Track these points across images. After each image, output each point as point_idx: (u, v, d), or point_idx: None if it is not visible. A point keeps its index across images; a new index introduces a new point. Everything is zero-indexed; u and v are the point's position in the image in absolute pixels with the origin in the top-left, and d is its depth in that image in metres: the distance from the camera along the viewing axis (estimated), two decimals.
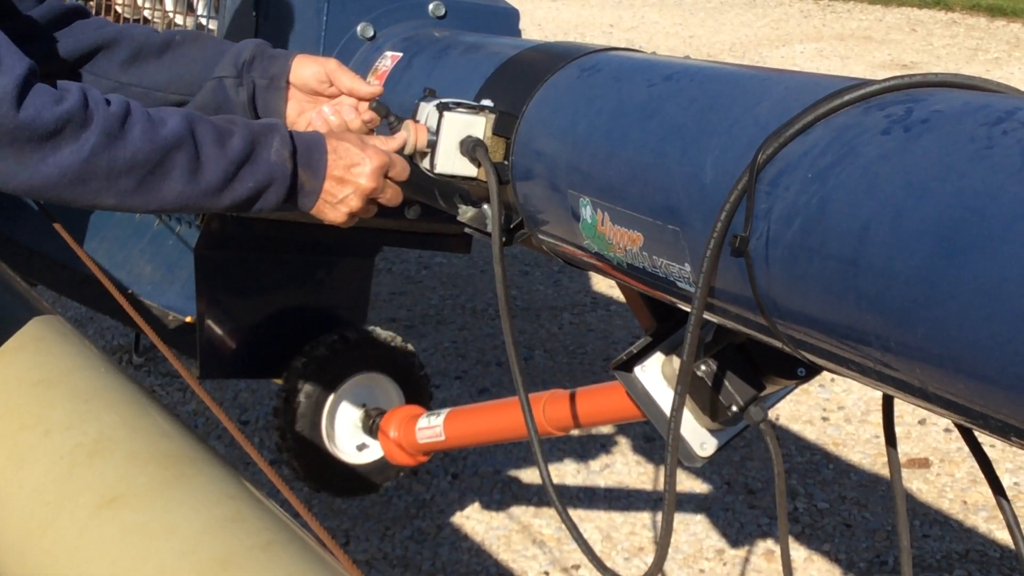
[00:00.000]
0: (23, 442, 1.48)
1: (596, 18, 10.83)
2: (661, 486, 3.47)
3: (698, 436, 1.69)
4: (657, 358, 1.74)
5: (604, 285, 4.86)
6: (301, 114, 1.69)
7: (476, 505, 3.37)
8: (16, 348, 1.67)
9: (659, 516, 3.31)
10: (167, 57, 1.65)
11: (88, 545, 1.30)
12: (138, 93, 1.65)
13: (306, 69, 1.67)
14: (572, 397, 2.10)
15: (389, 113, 1.70)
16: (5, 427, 1.51)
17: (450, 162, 1.69)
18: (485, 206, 1.76)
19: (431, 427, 2.41)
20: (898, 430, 1.44)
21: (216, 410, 1.42)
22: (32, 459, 1.45)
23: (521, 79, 1.74)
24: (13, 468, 1.45)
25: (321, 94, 1.68)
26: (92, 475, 1.38)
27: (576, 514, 3.30)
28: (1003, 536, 3.22)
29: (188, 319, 2.56)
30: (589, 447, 3.67)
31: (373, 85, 1.70)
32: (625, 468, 3.57)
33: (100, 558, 1.27)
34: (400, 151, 1.66)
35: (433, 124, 1.68)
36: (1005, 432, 1.01)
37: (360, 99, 1.69)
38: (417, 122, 1.70)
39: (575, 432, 3.58)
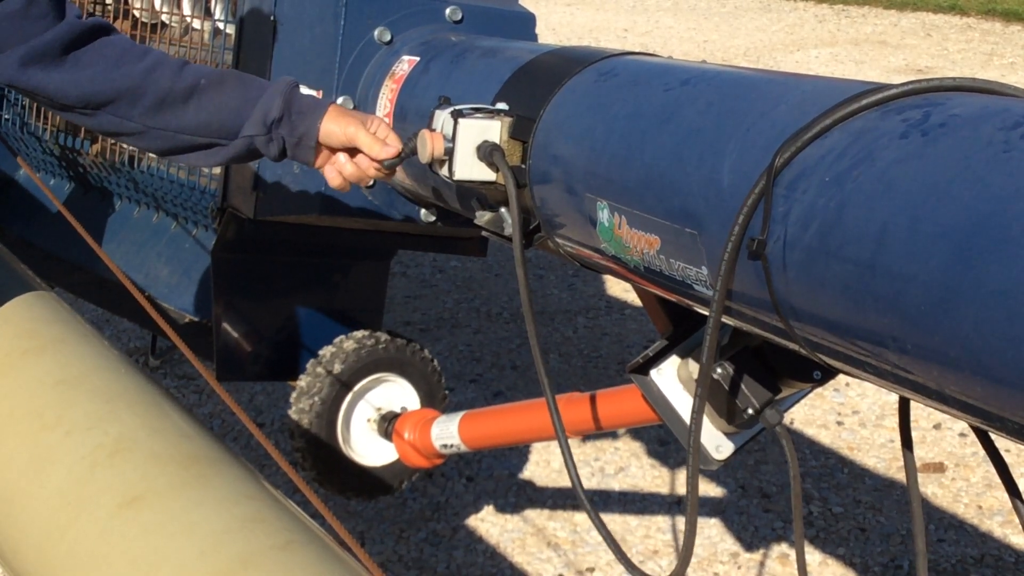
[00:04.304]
0: (44, 442, 1.49)
1: (610, 23, 10.84)
2: (675, 490, 3.48)
3: (714, 439, 1.70)
4: (673, 361, 1.74)
5: (618, 289, 4.86)
6: (327, 162, 1.74)
7: (491, 508, 3.38)
8: (37, 349, 1.68)
9: (674, 519, 3.32)
10: (193, 103, 1.66)
11: (109, 545, 1.31)
12: (166, 136, 1.67)
13: (330, 128, 1.70)
14: (588, 400, 2.10)
15: (402, 164, 1.75)
16: (27, 427, 1.53)
17: (468, 168, 1.70)
18: (502, 210, 1.77)
19: (447, 429, 2.42)
20: (913, 435, 1.44)
21: (236, 409, 1.43)
22: (53, 459, 1.46)
23: (538, 83, 1.75)
24: (35, 468, 1.46)
25: (347, 146, 1.72)
26: (113, 475, 1.39)
27: None
28: (1018, 541, 3.22)
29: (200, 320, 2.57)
30: (604, 450, 3.68)
31: (389, 147, 1.72)
32: (640, 472, 3.57)
33: (121, 558, 1.28)
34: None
35: (449, 131, 1.69)
36: (1023, 435, 1.01)
37: (373, 160, 1.72)
38: (433, 131, 1.71)
39: (590, 435, 3.59)
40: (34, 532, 1.40)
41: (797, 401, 1.75)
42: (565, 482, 3.47)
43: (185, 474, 1.37)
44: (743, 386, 1.60)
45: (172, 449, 1.43)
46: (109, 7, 2.80)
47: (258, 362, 2.66)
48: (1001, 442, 1.32)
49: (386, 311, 2.87)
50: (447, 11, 2.25)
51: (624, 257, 1.50)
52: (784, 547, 3.21)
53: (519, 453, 3.62)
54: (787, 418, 1.62)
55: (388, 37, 2.20)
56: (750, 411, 1.59)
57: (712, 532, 3.27)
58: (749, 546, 3.21)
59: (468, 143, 1.69)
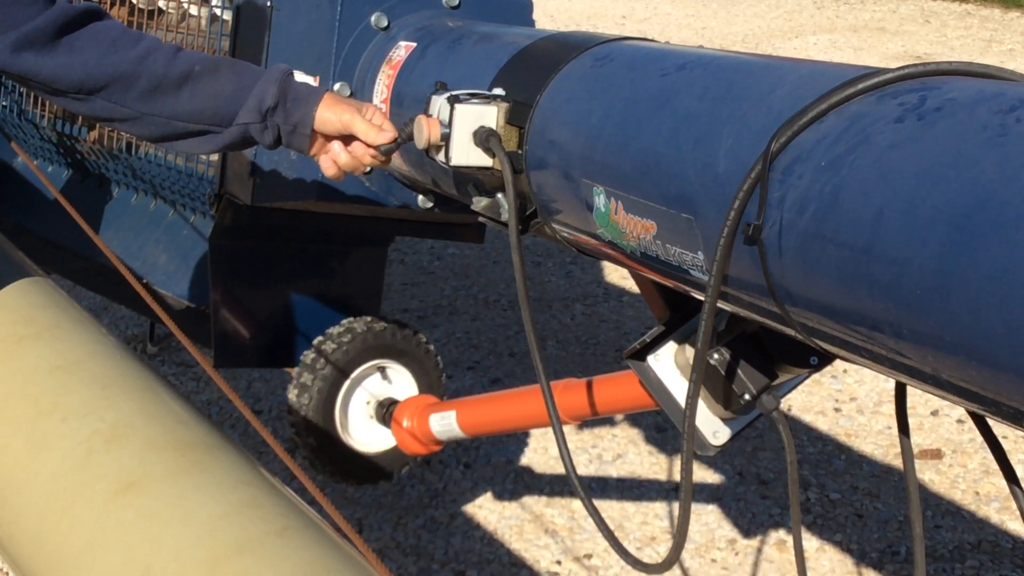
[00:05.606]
0: (41, 428, 1.49)
1: (608, 9, 10.81)
2: (673, 476, 3.48)
3: (711, 425, 1.70)
4: (670, 347, 1.74)
5: (616, 276, 4.86)
6: (322, 151, 1.74)
7: (488, 495, 3.38)
8: (33, 335, 1.68)
9: (671, 506, 3.33)
10: (187, 90, 1.65)
11: (105, 530, 1.31)
12: (159, 122, 1.67)
13: (325, 116, 1.69)
14: (585, 386, 2.10)
15: (400, 148, 1.74)
16: (23, 413, 1.53)
17: (465, 153, 1.69)
18: (499, 195, 1.76)
19: (445, 417, 2.42)
20: (910, 421, 1.44)
21: (233, 396, 1.43)
22: (49, 445, 1.46)
23: (535, 69, 1.74)
24: (31, 454, 1.46)
25: (343, 134, 1.71)
26: (109, 461, 1.39)
27: None
28: (1015, 527, 3.22)
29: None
30: (601, 437, 3.68)
31: (385, 132, 1.71)
32: (637, 458, 3.57)
33: (117, 543, 1.28)
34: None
35: (445, 117, 1.69)
36: (1017, 419, 1.01)
37: (370, 146, 1.72)
38: (429, 116, 1.71)
39: (588, 421, 3.59)
40: (30, 519, 1.40)
41: (794, 387, 1.75)
42: (563, 469, 3.47)
43: (181, 460, 1.37)
44: (740, 372, 1.60)
45: (168, 435, 1.43)
46: None
47: (256, 349, 2.66)
48: (998, 428, 1.32)
49: (384, 298, 2.87)
50: None
51: (621, 243, 1.50)
52: (782, 533, 3.21)
53: (517, 440, 3.62)
54: (784, 404, 1.62)
55: (385, 23, 2.20)
56: (747, 397, 1.59)
57: (710, 519, 3.27)
58: (746, 532, 3.22)
59: (464, 129, 1.69)
